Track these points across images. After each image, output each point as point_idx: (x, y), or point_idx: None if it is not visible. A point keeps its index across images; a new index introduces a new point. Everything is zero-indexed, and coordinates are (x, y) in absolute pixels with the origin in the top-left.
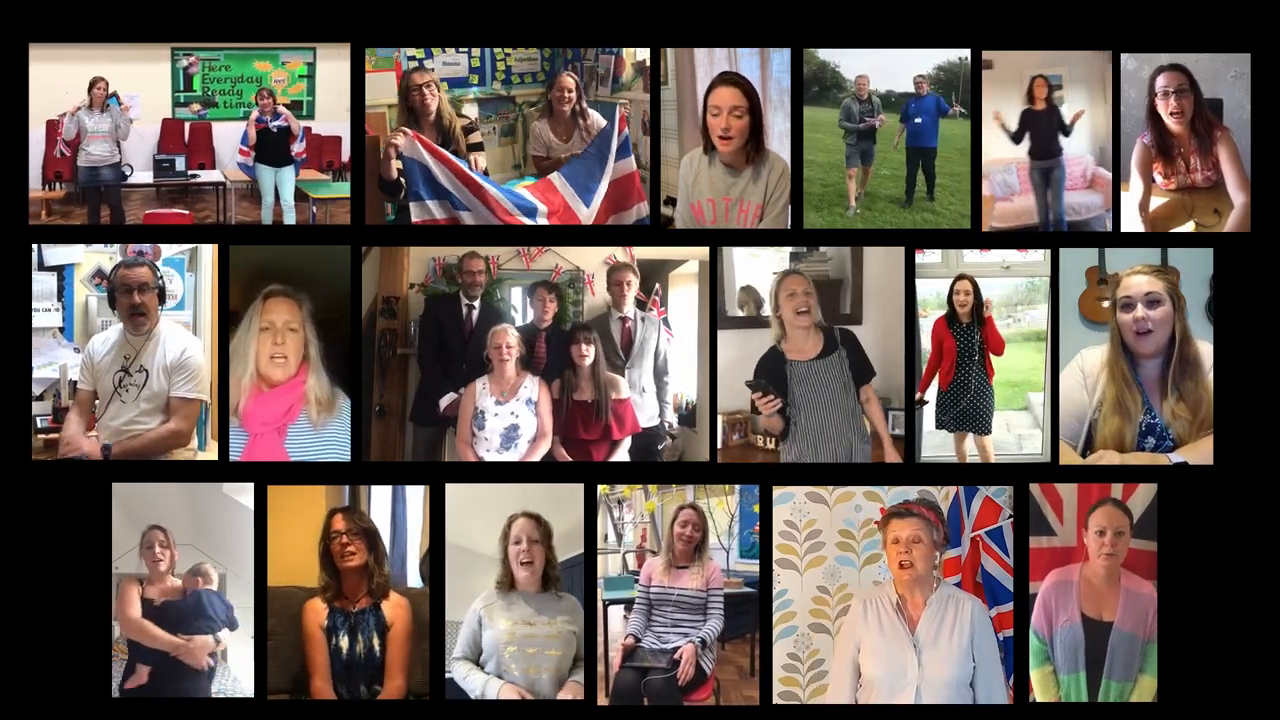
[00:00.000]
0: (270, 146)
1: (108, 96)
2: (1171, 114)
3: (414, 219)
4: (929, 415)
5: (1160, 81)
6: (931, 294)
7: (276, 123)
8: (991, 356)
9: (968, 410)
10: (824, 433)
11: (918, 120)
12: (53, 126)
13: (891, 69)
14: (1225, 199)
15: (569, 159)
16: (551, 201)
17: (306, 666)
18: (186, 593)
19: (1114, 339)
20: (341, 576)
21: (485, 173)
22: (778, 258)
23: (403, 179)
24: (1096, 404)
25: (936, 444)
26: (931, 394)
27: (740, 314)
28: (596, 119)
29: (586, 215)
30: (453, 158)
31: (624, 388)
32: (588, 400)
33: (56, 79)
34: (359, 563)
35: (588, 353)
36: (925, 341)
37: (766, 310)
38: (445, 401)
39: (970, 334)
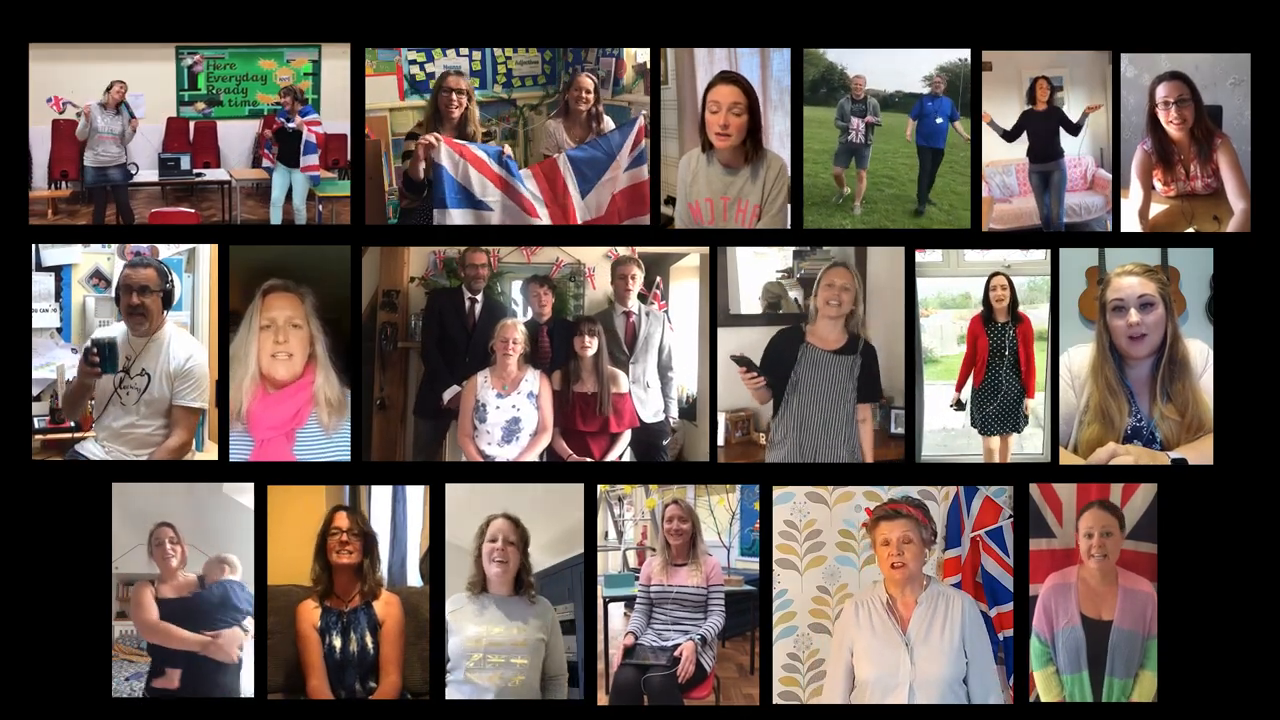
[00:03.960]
0: (287, 145)
1: (121, 101)
2: (1171, 123)
3: (435, 221)
4: (960, 417)
5: (1161, 91)
6: (933, 293)
7: (293, 125)
8: (1034, 356)
9: (999, 412)
10: (811, 422)
11: (938, 120)
12: (58, 125)
13: (901, 69)
14: (1225, 206)
15: (582, 144)
16: (551, 184)
17: (302, 667)
18: (207, 585)
19: (1100, 342)
20: (334, 573)
21: (511, 157)
22: (780, 257)
23: (428, 181)
24: (1084, 406)
25: (939, 443)
26: (966, 393)
27: (755, 312)
28: (608, 124)
29: (579, 206)
30: (483, 157)
31: (624, 382)
32: (589, 392)
33: (58, 79)
34: (353, 561)
35: (590, 344)
36: (926, 339)
37: (784, 308)
38: (448, 394)
39: (1004, 333)
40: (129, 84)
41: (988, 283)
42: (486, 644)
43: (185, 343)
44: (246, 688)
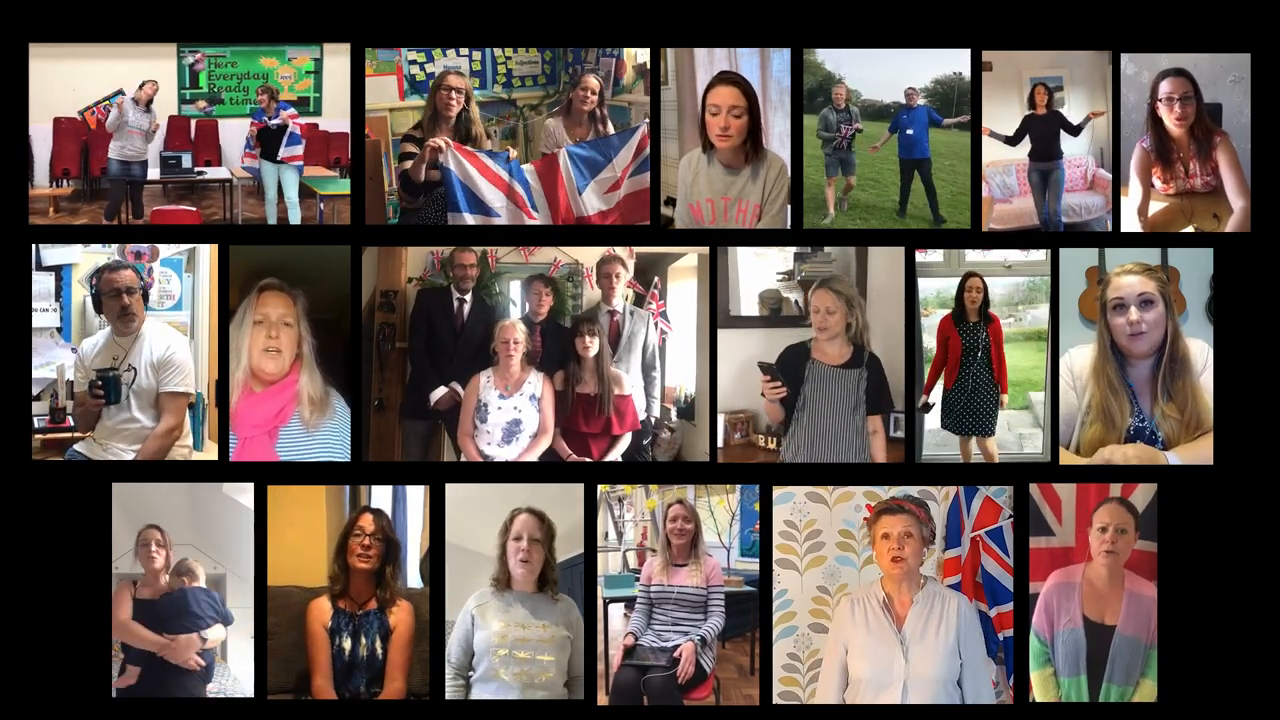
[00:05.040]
0: (272, 143)
1: (151, 99)
2: (1173, 119)
3: (449, 224)
4: (934, 416)
5: (1164, 87)
6: (933, 293)
7: (275, 121)
8: (1005, 356)
9: (970, 411)
10: (823, 437)
11: (909, 132)
12: (60, 123)
13: (895, 80)
14: (1224, 204)
15: (581, 141)
16: (550, 180)
17: (308, 665)
18: (172, 591)
19: (1101, 342)
20: (351, 574)
21: (518, 161)
22: (781, 257)
23: (427, 184)
24: (1086, 406)
25: (938, 442)
26: (936, 395)
27: (754, 314)
28: (610, 128)
29: (574, 201)
30: (485, 159)
31: (627, 384)
32: (590, 393)
33: (59, 76)
34: (372, 566)
35: (591, 345)
36: (926, 339)
37: (785, 310)
38: (436, 395)
39: (976, 332)
40: (133, 81)
41: (962, 283)
42: (513, 640)
43: (164, 334)
44: (246, 688)
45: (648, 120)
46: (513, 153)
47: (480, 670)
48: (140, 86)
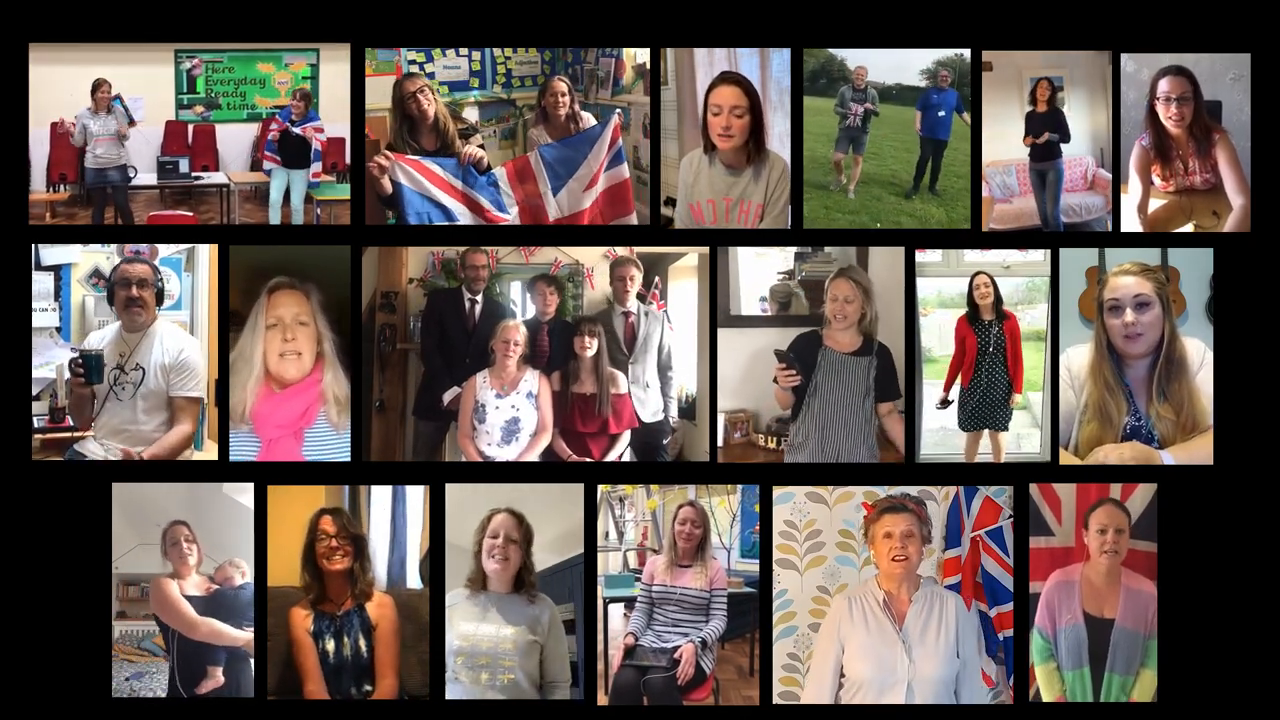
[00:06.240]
0: (290, 148)
1: (112, 99)
2: (1170, 119)
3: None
4: (953, 415)
5: (1163, 86)
6: (933, 293)
7: (297, 130)
8: (1022, 353)
9: (984, 406)
10: (832, 423)
11: (940, 113)
12: (57, 128)
13: (900, 63)
14: (1224, 201)
15: (555, 141)
16: (523, 188)
17: (298, 674)
18: (233, 586)
19: (1098, 341)
20: (326, 579)
21: (481, 161)
22: (781, 257)
23: (398, 191)
24: (1083, 405)
25: (937, 441)
26: (954, 393)
27: (756, 313)
28: (589, 120)
29: (551, 204)
30: (434, 168)
31: (623, 383)
32: (588, 393)
33: (58, 79)
34: (345, 567)
35: (590, 345)
36: (925, 338)
37: (795, 309)
38: (449, 396)
39: (989, 330)
40: (130, 86)
41: (971, 282)
42: (473, 643)
43: (176, 336)
44: (245, 688)
45: (619, 112)
46: (469, 152)
47: (448, 673)
48: (93, 94)
